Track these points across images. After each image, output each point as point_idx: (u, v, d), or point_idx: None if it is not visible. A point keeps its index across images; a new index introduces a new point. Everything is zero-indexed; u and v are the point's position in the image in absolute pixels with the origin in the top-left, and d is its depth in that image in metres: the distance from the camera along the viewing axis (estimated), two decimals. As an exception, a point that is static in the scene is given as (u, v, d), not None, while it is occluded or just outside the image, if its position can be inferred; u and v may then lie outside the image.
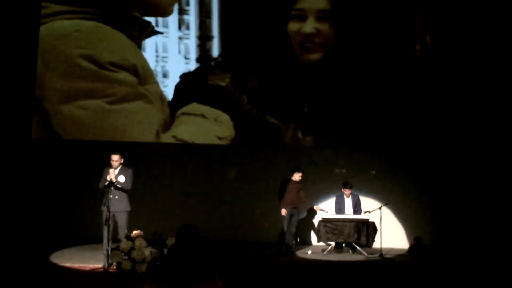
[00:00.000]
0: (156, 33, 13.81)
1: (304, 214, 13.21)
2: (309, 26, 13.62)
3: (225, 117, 13.63)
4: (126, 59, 13.54)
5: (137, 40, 13.75)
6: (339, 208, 12.45)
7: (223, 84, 13.73)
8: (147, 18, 13.84)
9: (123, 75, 13.46)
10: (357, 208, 12.39)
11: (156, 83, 13.73)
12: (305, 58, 13.73)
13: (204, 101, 13.66)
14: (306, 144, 13.60)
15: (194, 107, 13.68)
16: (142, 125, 13.57)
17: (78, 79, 13.52)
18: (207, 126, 13.66)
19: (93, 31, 13.64)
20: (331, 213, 12.35)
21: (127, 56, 13.57)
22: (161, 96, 13.67)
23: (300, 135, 13.61)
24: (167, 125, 13.67)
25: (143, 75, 13.53)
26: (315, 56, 13.73)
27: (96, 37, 13.63)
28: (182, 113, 13.69)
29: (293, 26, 13.65)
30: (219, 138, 13.65)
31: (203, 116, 13.63)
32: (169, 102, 13.74)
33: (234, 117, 13.61)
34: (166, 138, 13.62)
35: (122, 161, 9.99)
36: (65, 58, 13.58)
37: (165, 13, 13.87)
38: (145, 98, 13.51)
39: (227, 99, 13.66)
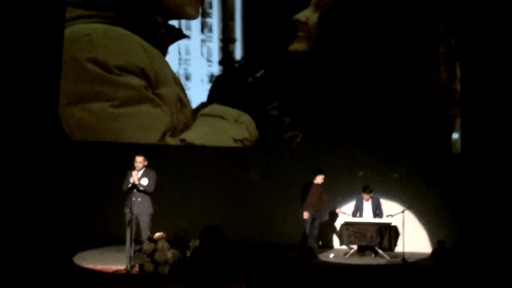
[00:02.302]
0: (182, 37, 13.85)
1: (327, 217, 13.19)
2: (303, 14, 13.64)
3: (246, 118, 13.63)
4: (134, 62, 13.62)
5: (162, 45, 13.80)
6: (356, 211, 12.41)
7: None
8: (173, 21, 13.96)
9: (129, 79, 13.58)
10: (378, 211, 12.33)
11: (173, 86, 13.73)
12: (291, 47, 13.71)
13: (235, 102, 13.70)
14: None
15: (213, 108, 13.73)
16: (146, 129, 13.64)
17: (85, 82, 13.70)
18: (224, 128, 13.68)
19: (103, 35, 13.78)
20: (347, 216, 12.33)
21: (135, 60, 13.64)
22: (180, 99, 13.69)
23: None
24: (187, 128, 13.71)
25: (154, 79, 13.57)
26: (299, 46, 13.69)
27: (105, 41, 13.76)
28: (202, 115, 13.74)
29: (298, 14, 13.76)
30: (235, 140, 13.66)
31: (222, 117, 13.65)
32: (203, 104, 13.78)
33: (257, 118, 13.63)
34: (174, 141, 13.68)
35: (146, 163, 10.01)
36: (73, 62, 13.77)
37: (189, 17, 13.91)
38: (152, 102, 13.56)
39: (255, 99, 13.71)
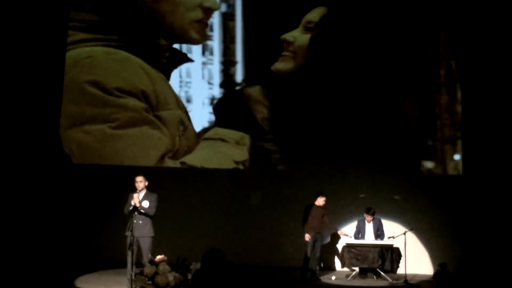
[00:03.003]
0: (186, 60, 13.93)
1: (328, 239, 13.17)
2: (290, 34, 13.75)
3: (247, 140, 13.68)
4: (134, 85, 13.68)
5: (166, 68, 13.87)
6: (359, 232, 12.39)
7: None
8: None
9: (128, 101, 13.63)
10: (379, 232, 12.31)
11: (175, 109, 13.76)
12: (275, 67, 13.80)
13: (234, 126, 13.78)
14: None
15: (215, 131, 13.78)
16: (145, 150, 13.67)
17: (85, 104, 13.78)
18: (224, 150, 13.72)
19: (104, 57, 13.87)
20: (349, 237, 12.30)
21: (136, 82, 13.70)
22: (183, 122, 13.72)
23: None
24: (190, 152, 13.73)
25: (155, 101, 13.61)
26: (283, 66, 13.77)
27: (106, 64, 13.83)
28: (203, 139, 13.78)
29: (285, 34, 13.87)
30: (236, 163, 13.69)
31: (222, 140, 13.68)
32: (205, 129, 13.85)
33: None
34: (174, 164, 13.69)
35: (146, 183, 9.99)
36: (74, 84, 13.86)
37: (193, 41, 14.00)
38: (151, 123, 13.59)
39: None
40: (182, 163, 13.65)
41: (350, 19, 13.70)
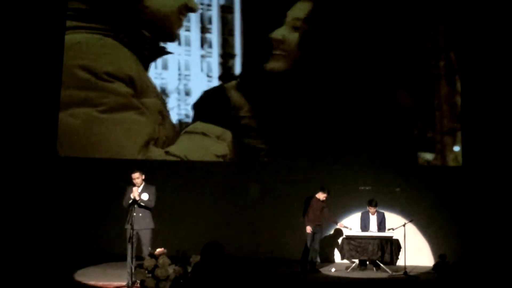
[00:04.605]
0: (166, 53, 14.00)
1: (329, 232, 13.18)
2: (278, 33, 13.78)
3: (228, 135, 13.80)
4: (122, 70, 13.90)
5: (146, 60, 14.00)
6: (364, 226, 12.39)
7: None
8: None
9: (116, 85, 13.84)
10: (381, 226, 12.32)
11: (156, 98, 13.94)
12: (267, 66, 13.83)
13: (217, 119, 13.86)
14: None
15: (196, 125, 13.91)
16: (130, 134, 13.79)
17: (74, 88, 13.95)
18: (206, 144, 13.84)
19: (94, 43, 14.08)
20: (356, 230, 12.29)
21: (124, 67, 13.92)
22: (161, 112, 13.87)
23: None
24: (169, 142, 13.81)
25: (140, 88, 13.82)
26: (276, 65, 13.78)
27: (96, 49, 14.05)
28: (185, 132, 13.86)
29: (273, 32, 13.87)
30: (217, 156, 13.79)
31: (203, 134, 13.79)
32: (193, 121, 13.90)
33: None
34: (159, 152, 13.76)
35: (143, 177, 9.99)
36: (65, 69, 13.98)
37: (171, 35, 14.04)
38: (137, 109, 13.79)
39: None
40: (166, 152, 13.75)
41: (341, 12, 13.70)
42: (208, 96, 13.97)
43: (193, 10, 14.06)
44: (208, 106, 13.93)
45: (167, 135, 13.86)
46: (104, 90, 13.90)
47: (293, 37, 13.76)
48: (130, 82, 13.78)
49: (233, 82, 13.93)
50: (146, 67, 14.01)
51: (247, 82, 13.89)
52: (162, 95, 14.01)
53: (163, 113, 13.90)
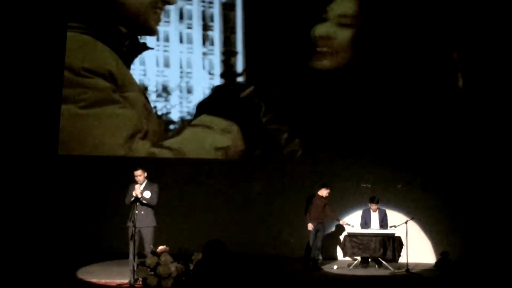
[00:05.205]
0: (146, 48, 14.00)
1: (332, 229, 13.18)
2: (323, 29, 13.59)
3: (235, 128, 13.69)
4: (101, 65, 13.87)
5: (127, 56, 13.99)
6: (365, 223, 12.38)
7: (243, 94, 13.78)
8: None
9: (95, 81, 13.83)
10: (383, 223, 12.31)
11: (138, 92, 13.93)
12: (314, 64, 13.69)
13: (224, 114, 13.78)
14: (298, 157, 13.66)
15: (202, 118, 13.88)
16: (113, 129, 13.79)
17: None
18: (206, 136, 13.77)
19: (71, 40, 14.02)
20: (357, 228, 12.29)
21: (102, 63, 13.88)
22: (145, 106, 13.87)
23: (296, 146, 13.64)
24: (157, 136, 13.82)
25: (121, 82, 13.81)
26: (324, 63, 13.66)
27: (73, 46, 13.98)
28: (190, 125, 13.89)
29: (314, 29, 13.64)
30: (217, 149, 13.72)
31: (208, 126, 13.73)
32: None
33: (251, 130, 13.70)
34: (146, 145, 13.77)
35: (145, 175, 10.00)
36: None
37: (150, 30, 14.05)
38: (118, 103, 13.77)
39: (246, 111, 13.74)
40: (160, 145, 13.77)
41: (389, 8, 13.43)
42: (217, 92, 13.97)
43: (169, 2, 14.02)
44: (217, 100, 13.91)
45: (154, 129, 13.84)
46: (83, 86, 13.89)
47: (342, 34, 13.61)
48: (110, 76, 13.75)
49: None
50: (128, 64, 13.98)
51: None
52: (144, 91, 14.00)
53: (147, 108, 13.87)
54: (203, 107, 13.92)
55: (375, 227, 12.27)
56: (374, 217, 12.39)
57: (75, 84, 13.90)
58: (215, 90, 13.95)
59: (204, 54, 14.01)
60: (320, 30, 13.61)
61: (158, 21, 14.02)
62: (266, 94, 13.72)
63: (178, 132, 13.91)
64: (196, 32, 14.02)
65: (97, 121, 13.85)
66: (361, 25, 13.57)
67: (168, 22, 14.07)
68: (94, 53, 13.94)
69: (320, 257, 12.33)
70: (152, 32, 14.03)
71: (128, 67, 13.98)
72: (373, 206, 12.37)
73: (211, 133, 13.74)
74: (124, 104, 13.76)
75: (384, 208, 12.47)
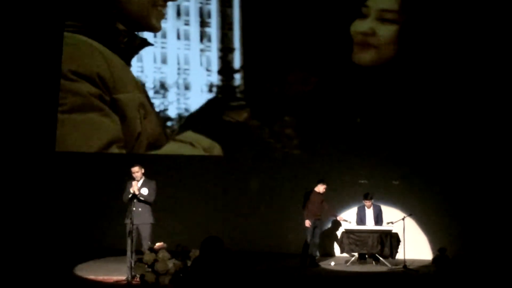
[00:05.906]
0: (146, 44, 13.95)
1: (329, 225, 13.20)
2: (366, 24, 13.36)
3: (217, 149, 13.69)
4: (89, 67, 13.80)
5: (126, 54, 13.92)
6: (360, 220, 12.39)
7: (240, 119, 13.73)
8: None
9: (80, 85, 13.77)
10: (378, 219, 12.32)
11: (135, 93, 13.83)
12: (356, 58, 13.47)
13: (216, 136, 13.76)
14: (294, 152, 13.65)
15: (187, 134, 13.83)
16: (88, 137, 13.80)
17: None
18: (188, 153, 13.75)
19: (64, 40, 13.97)
20: (354, 224, 12.30)
21: (91, 65, 13.81)
22: (143, 106, 13.79)
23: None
24: (154, 136, 13.82)
25: (112, 84, 13.67)
26: (367, 57, 13.47)
27: (64, 47, 13.94)
28: (173, 140, 13.87)
29: (354, 24, 13.39)
30: None
31: (191, 144, 13.71)
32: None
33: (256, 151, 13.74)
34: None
35: (143, 171, 10.00)
36: None
37: (152, 28, 14.01)
38: (100, 111, 13.66)
39: (242, 134, 13.71)
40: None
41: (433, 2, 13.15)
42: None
43: None
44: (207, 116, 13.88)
45: (152, 128, 13.80)
46: (64, 90, 13.86)
47: (385, 29, 13.36)
48: (99, 79, 13.64)
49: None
50: (127, 61, 13.93)
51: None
52: (143, 88, 13.94)
53: (146, 107, 13.80)
54: (191, 121, 13.88)
55: (370, 224, 12.28)
56: (369, 213, 12.39)
57: (59, 87, 13.85)
58: (208, 103, 13.90)
59: (202, 50, 13.99)
60: (362, 27, 13.33)
61: (160, 17, 13.95)
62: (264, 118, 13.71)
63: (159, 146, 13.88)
64: (194, 29, 14.01)
65: (74, 127, 13.81)
66: (406, 20, 13.25)
67: (165, 18, 14.05)
68: (84, 54, 13.88)
69: (318, 254, 12.35)
70: (154, 28, 13.97)
71: (128, 64, 13.92)
72: (367, 203, 12.37)
73: (195, 151, 13.74)
74: (106, 112, 13.63)
75: (378, 204, 12.48)
